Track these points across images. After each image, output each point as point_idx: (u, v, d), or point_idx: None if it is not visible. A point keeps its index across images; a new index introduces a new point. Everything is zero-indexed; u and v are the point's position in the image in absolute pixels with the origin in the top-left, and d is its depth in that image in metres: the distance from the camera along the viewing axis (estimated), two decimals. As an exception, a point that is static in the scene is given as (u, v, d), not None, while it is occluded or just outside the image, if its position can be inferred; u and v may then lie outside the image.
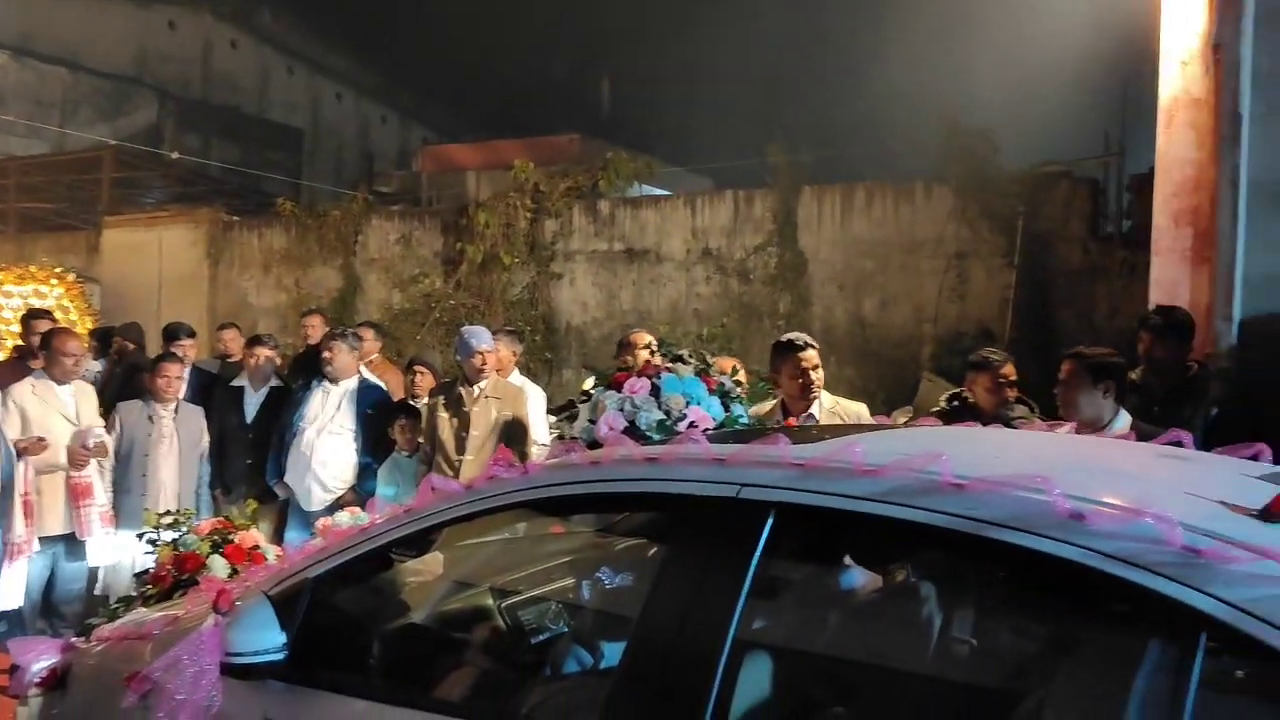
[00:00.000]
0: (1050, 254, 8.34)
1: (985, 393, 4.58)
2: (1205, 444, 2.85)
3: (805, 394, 4.23)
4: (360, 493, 5.86)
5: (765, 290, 9.50)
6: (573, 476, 2.44)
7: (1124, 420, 3.84)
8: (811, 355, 4.26)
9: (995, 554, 2.04)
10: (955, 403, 4.78)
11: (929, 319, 8.85)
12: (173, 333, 7.28)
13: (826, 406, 4.35)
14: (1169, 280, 4.89)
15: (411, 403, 6.23)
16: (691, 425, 2.68)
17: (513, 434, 5.47)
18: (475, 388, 5.62)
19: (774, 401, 4.49)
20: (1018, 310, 8.33)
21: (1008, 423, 4.44)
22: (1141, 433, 3.58)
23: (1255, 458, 2.65)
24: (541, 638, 3.06)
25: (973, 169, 8.58)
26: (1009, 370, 4.59)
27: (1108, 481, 2.09)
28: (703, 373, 2.80)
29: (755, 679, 2.34)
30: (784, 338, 4.43)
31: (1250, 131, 4.62)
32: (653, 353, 2.87)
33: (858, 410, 4.43)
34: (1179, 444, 2.84)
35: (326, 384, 6.12)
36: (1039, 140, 9.78)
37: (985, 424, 4.34)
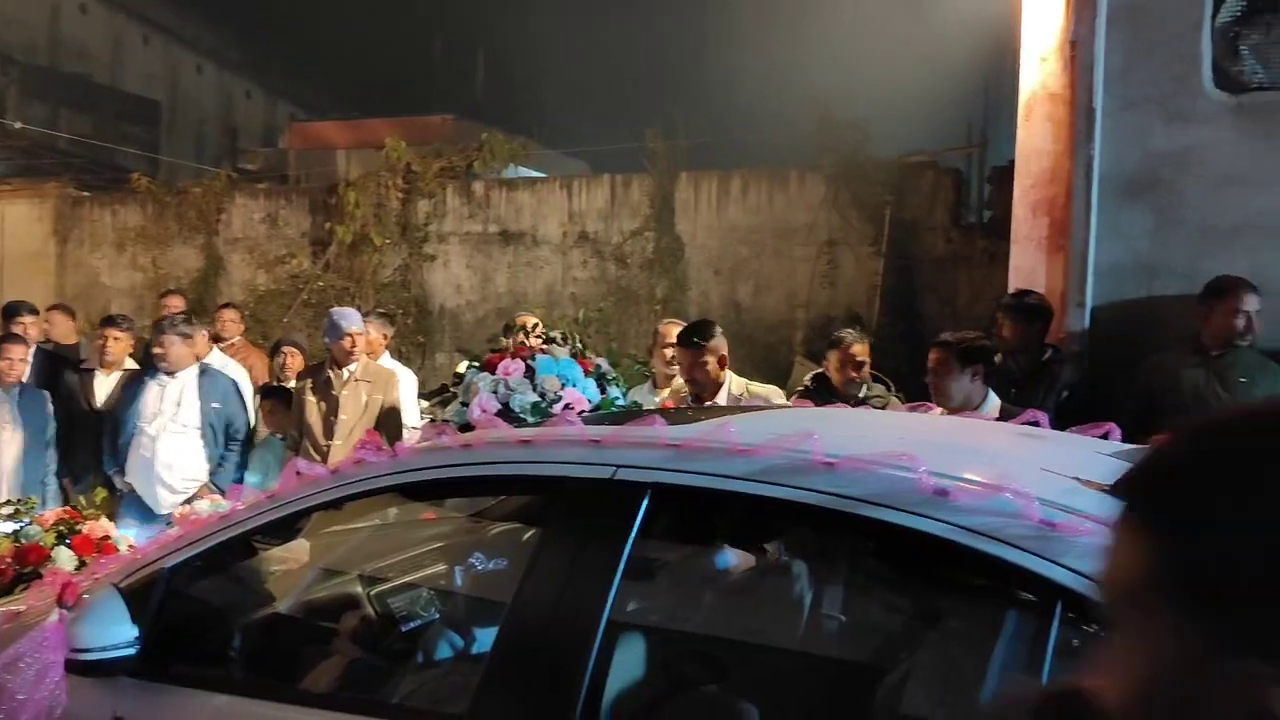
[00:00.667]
0: (916, 242, 8.61)
1: (836, 370, 4.74)
2: (1059, 424, 2.97)
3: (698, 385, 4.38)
4: (215, 486, 5.55)
5: (642, 275, 9.53)
6: (443, 460, 2.38)
7: (993, 402, 3.95)
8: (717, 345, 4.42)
9: (865, 530, 2.09)
10: (815, 383, 4.92)
11: (802, 304, 9.02)
12: (13, 310, 6.79)
13: (734, 392, 4.42)
14: (1027, 268, 5.10)
15: (280, 384, 6.00)
16: (567, 407, 2.65)
17: (383, 418, 5.33)
18: (344, 371, 5.46)
19: (675, 385, 4.59)
20: (885, 296, 8.57)
21: (862, 401, 4.59)
22: (1002, 413, 3.72)
23: (1106, 436, 2.77)
24: (412, 625, 2.99)
25: (843, 158, 8.78)
26: (859, 349, 4.74)
27: (970, 459, 2.15)
28: (578, 355, 2.77)
29: (630, 660, 2.33)
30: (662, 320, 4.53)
31: (1103, 126, 4.84)
32: (527, 334, 2.83)
33: (767, 394, 4.49)
34: (1036, 424, 2.96)
35: (162, 376, 5.66)
36: (906, 131, 10.09)
37: (842, 402, 4.49)
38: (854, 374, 4.73)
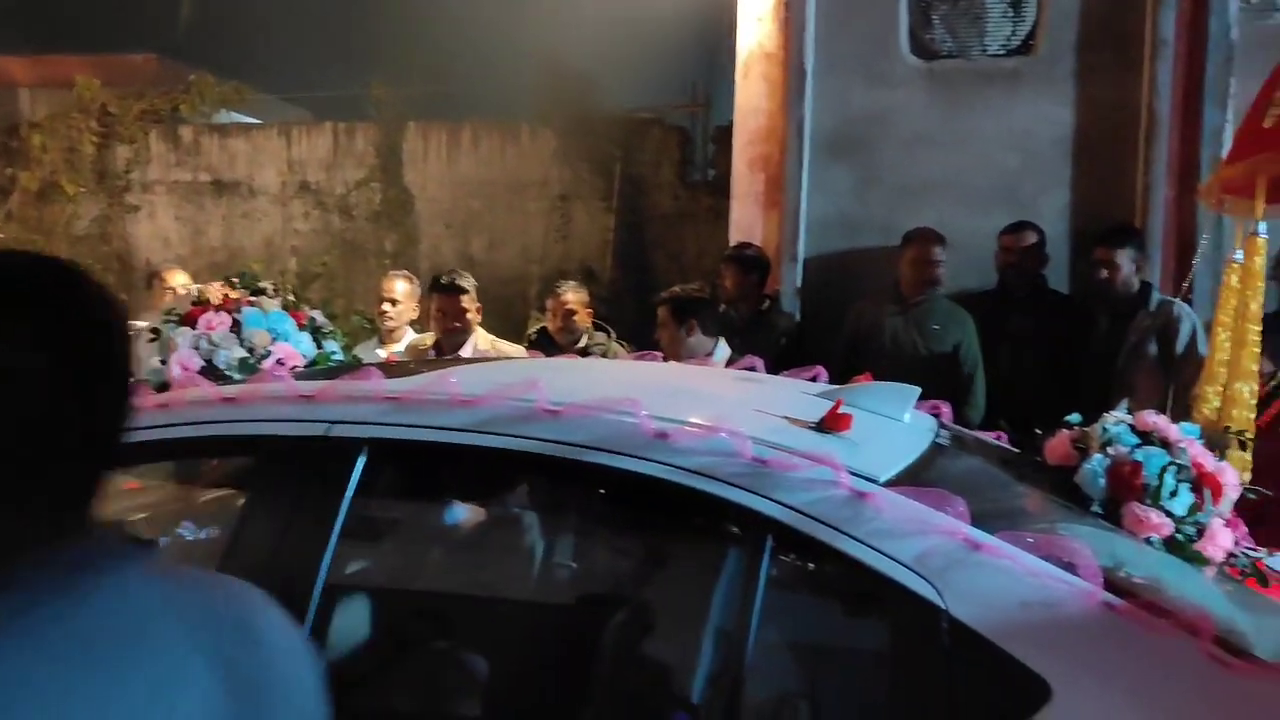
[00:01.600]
0: (645, 198, 8.78)
1: (552, 320, 4.83)
2: (777, 369, 3.12)
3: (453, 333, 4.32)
4: None
5: (370, 227, 9.18)
6: (137, 422, 2.17)
7: (724, 351, 4.09)
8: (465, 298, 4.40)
9: (591, 477, 2.10)
10: (538, 335, 5.00)
11: (536, 259, 9.01)
12: None
13: (481, 348, 4.33)
14: (746, 223, 5.32)
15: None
16: (279, 363, 2.49)
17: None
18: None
19: (428, 338, 4.51)
20: (617, 251, 8.71)
21: (584, 350, 4.69)
22: (729, 360, 3.87)
23: (814, 379, 2.94)
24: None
25: (574, 112, 8.80)
26: (570, 298, 4.88)
27: (689, 403, 2.21)
28: (291, 307, 2.61)
29: (352, 624, 2.24)
30: (443, 278, 4.48)
31: (813, 86, 5.10)
32: (232, 286, 2.63)
33: (514, 352, 4.44)
34: (753, 369, 3.10)
35: None
36: (635, 88, 10.23)
37: (563, 351, 4.57)
38: (565, 323, 4.82)
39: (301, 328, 2.60)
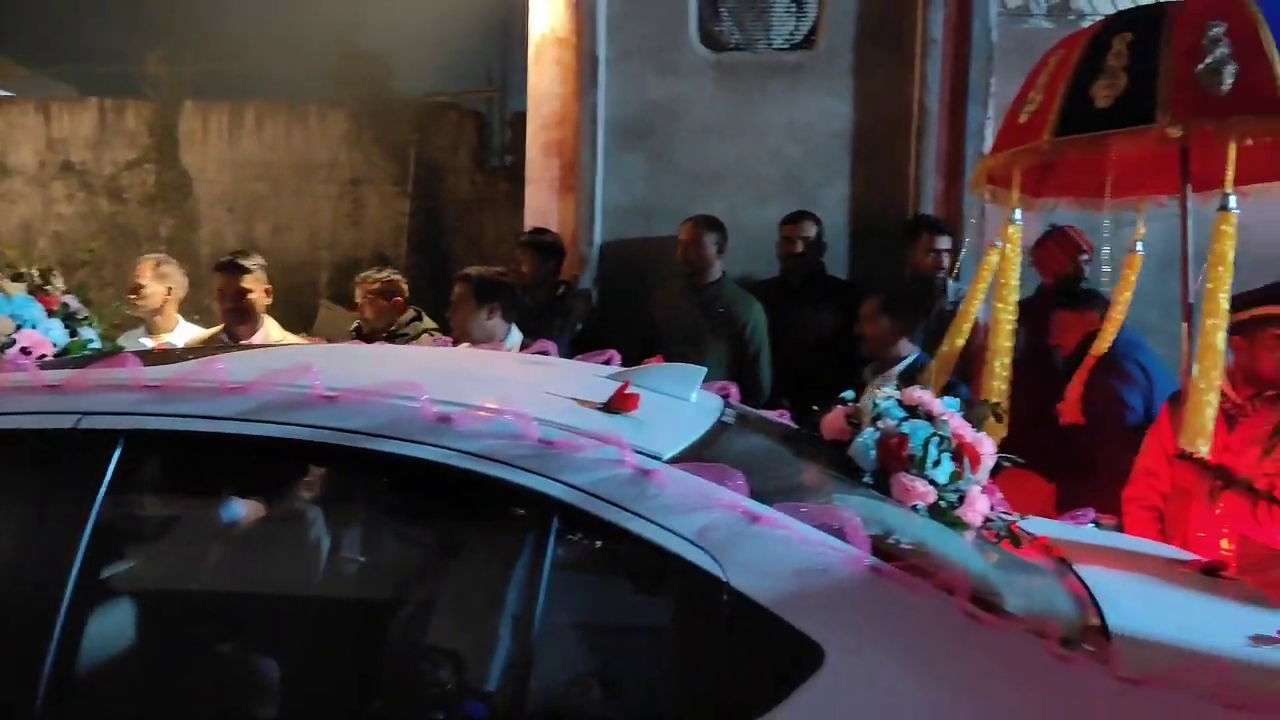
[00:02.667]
0: (441, 183, 8.62)
1: (361, 304, 4.71)
2: (573, 354, 3.12)
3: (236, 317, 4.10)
4: None
5: (143, 211, 8.60)
6: None
7: (515, 338, 4.05)
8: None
9: (372, 464, 2.02)
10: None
11: (326, 245, 8.69)
12: None
13: (275, 338, 4.11)
14: (541, 208, 5.30)
15: None
16: (25, 352, 2.29)
17: None
18: None
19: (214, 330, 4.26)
20: (412, 237, 8.52)
21: (398, 334, 4.57)
22: (522, 347, 3.84)
23: (608, 363, 2.95)
24: None
25: (366, 94, 8.53)
26: (373, 284, 4.69)
27: (474, 386, 2.17)
28: (39, 291, 2.39)
29: (114, 630, 2.09)
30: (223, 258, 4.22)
31: (606, 73, 5.13)
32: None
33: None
34: (546, 354, 3.08)
35: None
36: (431, 71, 10.01)
37: (372, 337, 4.44)
38: (381, 304, 4.70)
39: (52, 314, 2.39)
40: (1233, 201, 3.02)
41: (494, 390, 2.16)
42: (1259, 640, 2.04)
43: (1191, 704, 1.71)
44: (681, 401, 2.44)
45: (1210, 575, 2.50)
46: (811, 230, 4.78)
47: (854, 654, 1.75)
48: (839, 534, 1.86)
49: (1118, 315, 3.76)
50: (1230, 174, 2.96)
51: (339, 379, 1.98)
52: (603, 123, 5.17)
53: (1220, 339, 2.97)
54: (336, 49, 8.71)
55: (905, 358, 3.82)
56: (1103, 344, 3.81)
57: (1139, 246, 3.77)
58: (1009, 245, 3.35)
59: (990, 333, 3.45)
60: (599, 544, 1.91)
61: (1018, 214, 3.38)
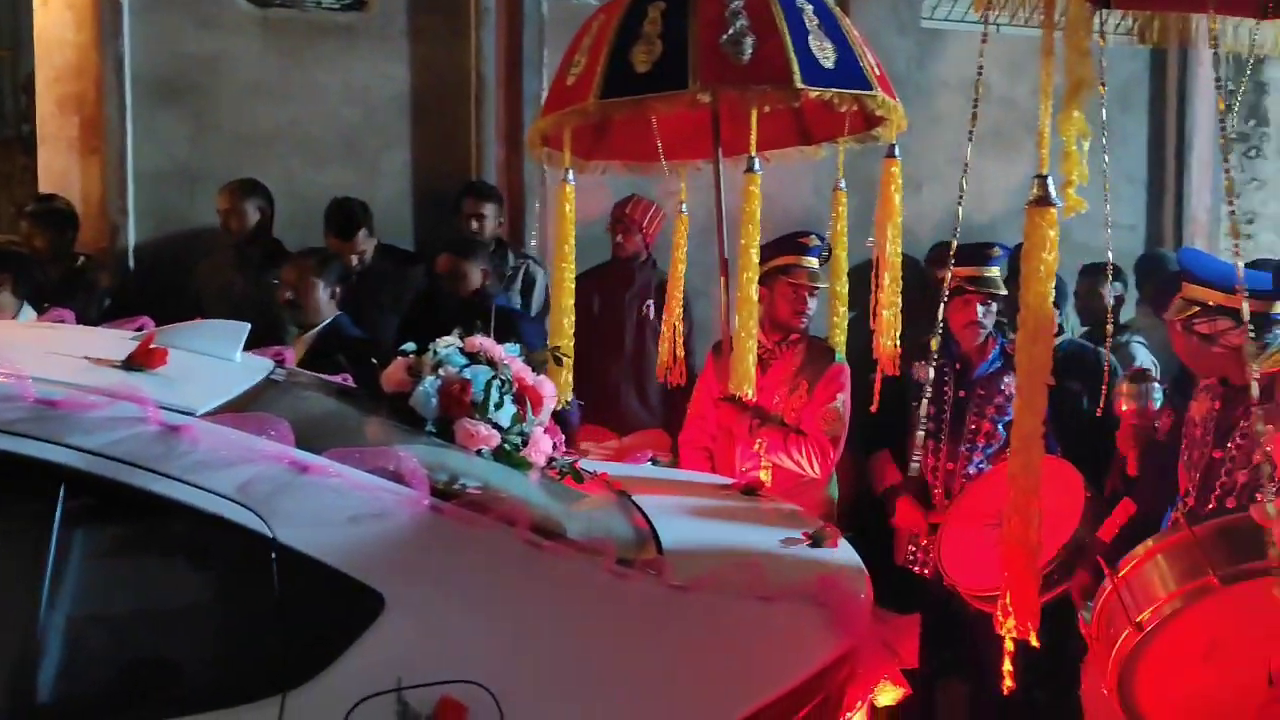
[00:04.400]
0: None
1: None
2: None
3: None
4: None
5: None
6: None
7: (28, 315, 3.58)
8: None
9: None
10: None
11: None
12: None
13: None
14: (58, 170, 4.64)
15: None
16: None
17: None
18: None
19: None
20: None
21: None
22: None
23: (140, 329, 2.64)
24: None
25: None
26: None
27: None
28: None
29: None
30: None
31: (132, 22, 4.59)
32: None
33: None
34: (63, 321, 2.70)
35: None
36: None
37: None
38: None
39: None
40: (757, 164, 3.30)
41: (-20, 353, 1.82)
42: (788, 543, 2.26)
43: (731, 600, 1.85)
44: (224, 361, 2.24)
45: (749, 495, 2.74)
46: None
47: (415, 596, 1.69)
48: (396, 477, 1.79)
49: (677, 275, 3.99)
50: (754, 138, 3.22)
51: None
52: (130, 77, 4.62)
53: (754, 291, 3.24)
54: None
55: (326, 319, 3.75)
56: (674, 305, 3.98)
57: (684, 208, 4.04)
58: (566, 205, 3.43)
59: (552, 290, 3.53)
60: (122, 511, 1.68)
61: (570, 175, 3.47)
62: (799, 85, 3.00)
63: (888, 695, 1.93)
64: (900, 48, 5.33)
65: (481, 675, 1.64)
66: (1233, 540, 1.74)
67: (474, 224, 4.50)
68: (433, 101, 5.05)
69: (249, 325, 2.33)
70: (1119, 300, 4.61)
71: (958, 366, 3.51)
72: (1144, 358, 4.08)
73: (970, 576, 2.91)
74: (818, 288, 3.57)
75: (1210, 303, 2.63)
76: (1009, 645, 2.12)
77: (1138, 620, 1.81)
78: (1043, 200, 2.00)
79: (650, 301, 4.53)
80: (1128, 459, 2.97)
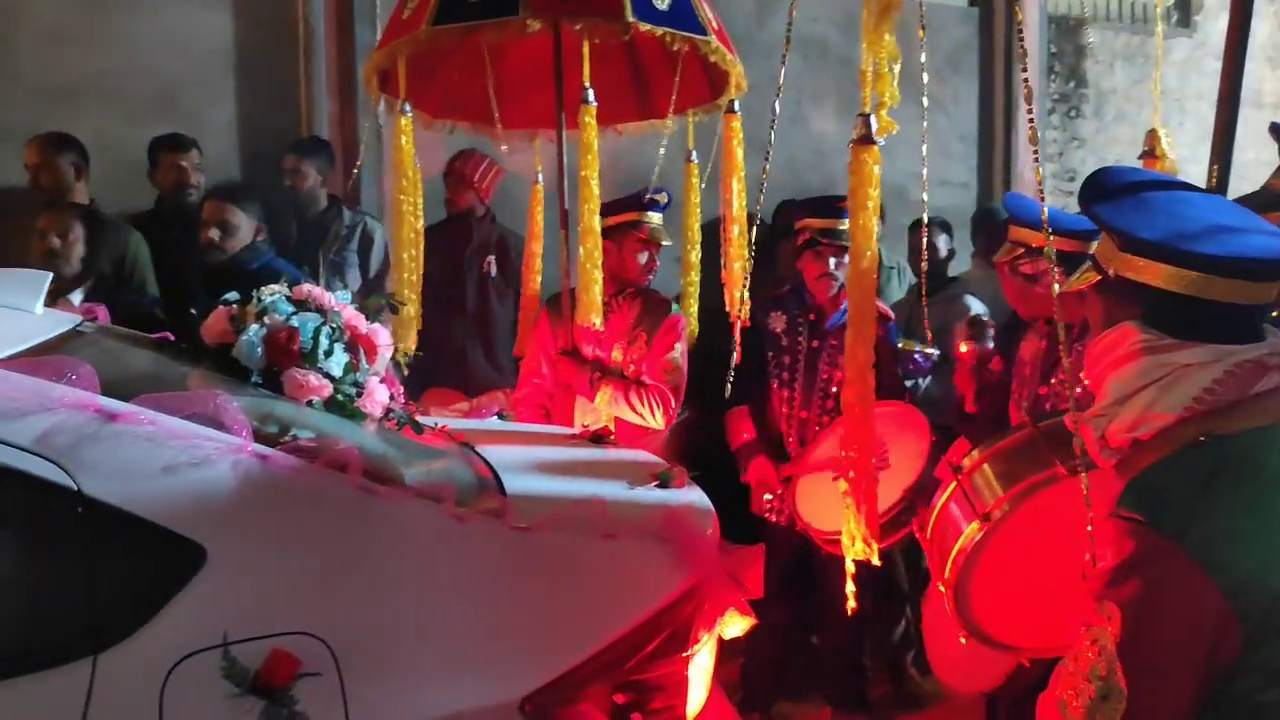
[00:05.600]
0: None
1: None
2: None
3: None
4: None
5: None
6: None
7: None
8: None
9: None
10: None
11: None
12: None
13: None
14: None
15: None
16: None
17: None
18: None
19: None
20: None
21: None
22: None
23: None
24: None
25: None
26: None
27: None
28: None
29: None
30: None
31: None
32: None
33: None
34: None
35: None
36: None
37: None
38: None
39: None
40: (591, 96, 3.19)
41: None
42: (635, 484, 2.25)
43: (574, 540, 1.82)
44: (22, 312, 2.06)
45: (599, 442, 2.72)
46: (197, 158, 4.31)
47: (240, 547, 1.59)
48: (215, 424, 1.68)
49: (533, 251, 3.93)
50: (586, 68, 3.14)
51: None
52: None
53: (596, 221, 3.19)
54: None
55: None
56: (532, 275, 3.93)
57: (539, 178, 3.96)
58: (403, 138, 3.30)
59: (393, 229, 3.39)
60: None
61: (407, 108, 3.33)
62: (630, 19, 2.96)
63: (735, 626, 1.94)
64: (740, 6, 5.37)
65: (315, 626, 1.57)
66: (1068, 439, 1.80)
67: (289, 180, 4.33)
68: (259, 54, 4.80)
69: (50, 274, 2.15)
70: (951, 253, 4.78)
71: (811, 317, 3.56)
72: (978, 308, 4.24)
73: (822, 521, 2.98)
74: (663, 245, 3.57)
75: (1033, 244, 2.74)
76: (850, 568, 2.16)
77: (985, 512, 1.86)
78: (865, 139, 2.05)
79: (491, 257, 4.45)
80: (966, 398, 3.08)
